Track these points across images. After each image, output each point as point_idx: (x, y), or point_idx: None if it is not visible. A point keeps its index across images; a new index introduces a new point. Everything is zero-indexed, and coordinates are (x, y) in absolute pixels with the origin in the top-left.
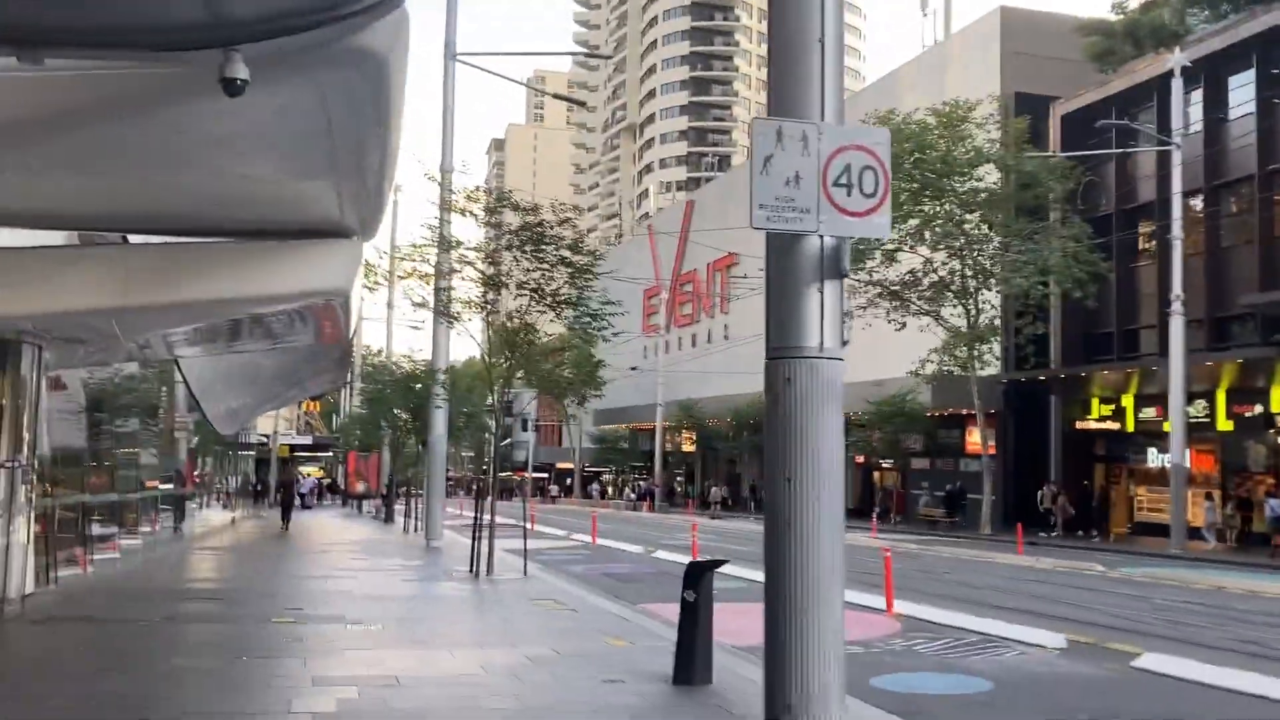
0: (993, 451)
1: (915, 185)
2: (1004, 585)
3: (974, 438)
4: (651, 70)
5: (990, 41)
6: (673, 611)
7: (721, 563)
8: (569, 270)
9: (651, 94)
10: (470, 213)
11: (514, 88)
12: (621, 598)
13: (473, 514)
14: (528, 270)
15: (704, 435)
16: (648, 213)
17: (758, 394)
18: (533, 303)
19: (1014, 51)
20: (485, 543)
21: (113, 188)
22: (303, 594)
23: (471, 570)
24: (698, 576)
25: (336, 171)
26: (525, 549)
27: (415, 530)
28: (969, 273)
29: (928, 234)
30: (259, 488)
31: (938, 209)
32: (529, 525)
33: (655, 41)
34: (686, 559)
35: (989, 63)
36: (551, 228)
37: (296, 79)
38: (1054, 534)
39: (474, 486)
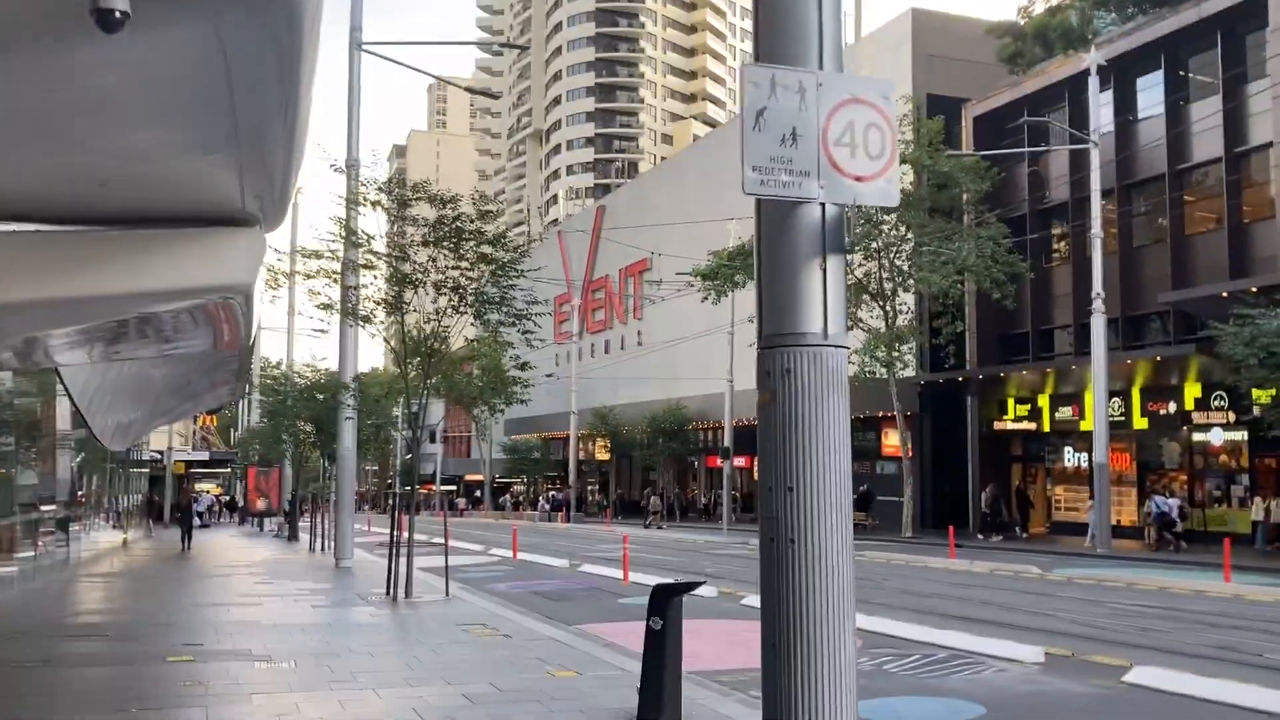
0: (911, 454)
1: None
2: (949, 592)
3: (890, 440)
4: (557, 76)
5: (901, 44)
6: (615, 632)
7: (695, 585)
8: (491, 268)
9: (557, 100)
10: (382, 205)
11: (415, 92)
12: (555, 618)
13: (386, 531)
14: (445, 269)
15: (619, 443)
16: (556, 219)
17: (672, 400)
18: (452, 303)
19: (925, 54)
20: (403, 561)
21: None
22: (203, 625)
23: (388, 593)
24: (665, 601)
25: (237, 144)
26: (447, 567)
27: (323, 549)
28: (885, 274)
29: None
30: (152, 507)
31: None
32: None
33: (560, 47)
34: (614, 572)
35: (900, 65)
36: (471, 221)
37: (190, 21)
38: (996, 536)
39: (387, 501)
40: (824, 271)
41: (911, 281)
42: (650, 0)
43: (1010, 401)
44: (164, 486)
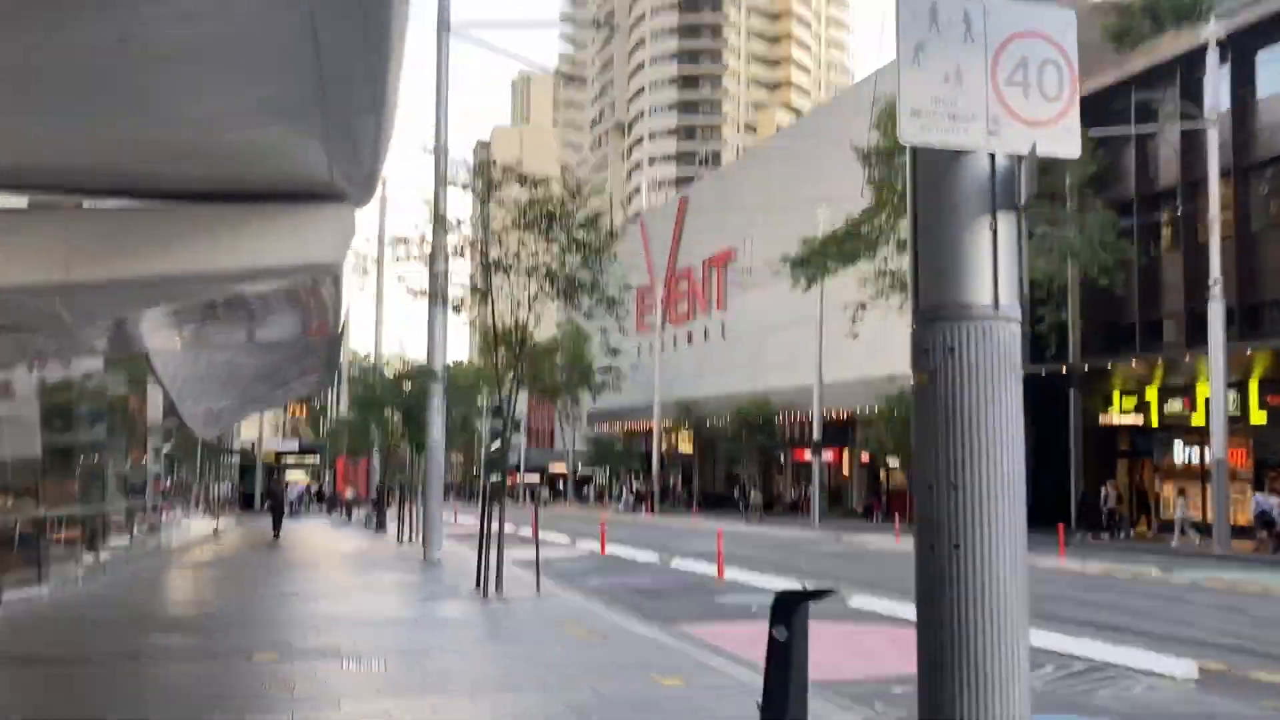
0: None
1: None
2: (1068, 594)
3: None
4: (640, 67)
5: None
6: (717, 635)
7: (825, 593)
8: (583, 252)
9: (640, 91)
10: (472, 189)
11: (499, 87)
12: (652, 617)
13: (472, 521)
14: (534, 254)
15: (703, 436)
16: (639, 211)
17: (759, 393)
18: (544, 288)
19: None
20: (493, 555)
21: (44, 131)
22: (291, 620)
23: (478, 587)
24: (791, 610)
25: (323, 109)
26: (538, 562)
27: (410, 540)
28: None
29: None
30: (245, 496)
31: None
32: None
33: (643, 38)
34: (708, 568)
35: None
36: (562, 205)
37: None
38: (1121, 535)
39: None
40: (994, 232)
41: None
42: None
43: (1116, 394)
44: (254, 475)
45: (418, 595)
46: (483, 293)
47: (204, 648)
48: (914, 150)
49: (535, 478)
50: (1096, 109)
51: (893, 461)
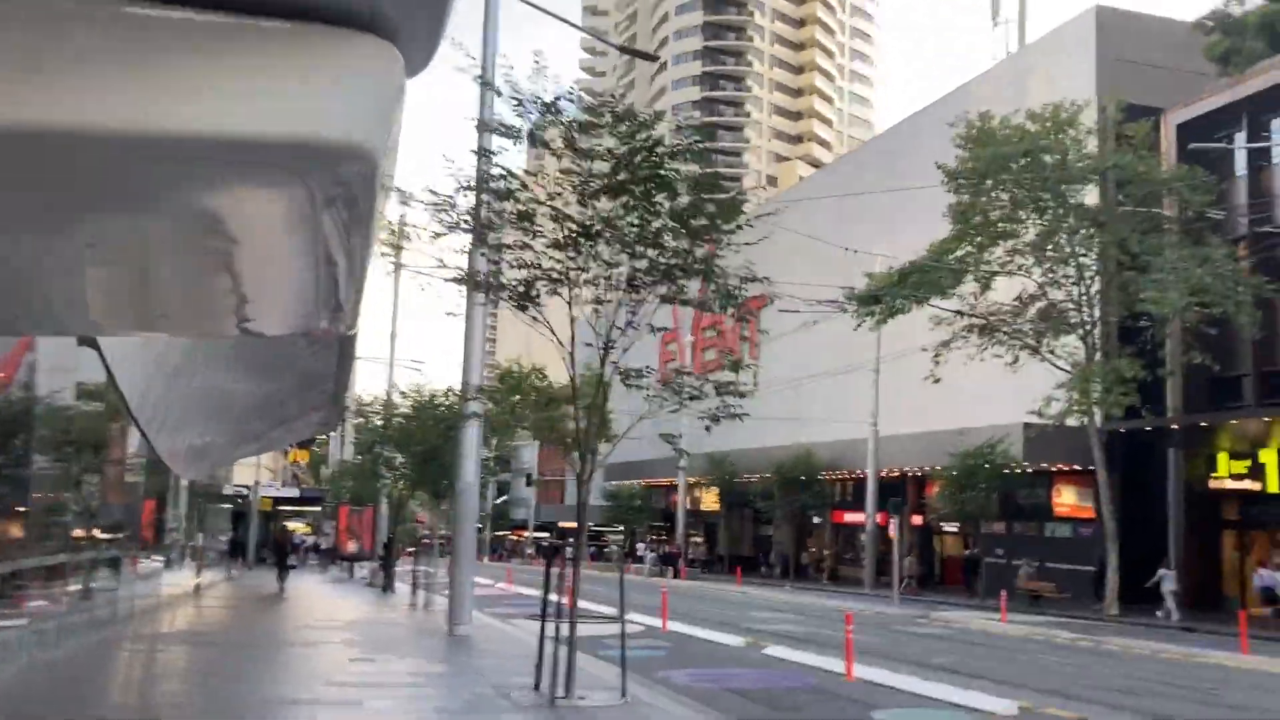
0: (1090, 515)
1: (1020, 194)
2: None
3: (1064, 498)
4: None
5: (1083, 47)
6: None
7: None
8: (706, 219)
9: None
10: (542, 129)
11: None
12: None
13: (491, 581)
14: (630, 224)
15: (733, 493)
16: None
17: (800, 446)
18: (645, 273)
19: (1112, 57)
20: (556, 641)
21: None
22: None
23: (537, 687)
24: None
25: None
26: (624, 659)
27: (425, 606)
28: (1087, 296)
29: (1050, 250)
30: (235, 547)
31: (1040, 223)
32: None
33: (664, 86)
34: (815, 658)
35: (1082, 71)
36: (671, 156)
37: None
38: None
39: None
40: None
41: (1141, 302)
42: (757, 39)
43: (1223, 456)
44: (248, 524)
45: (453, 698)
46: (559, 278)
47: None
48: None
49: (544, 534)
50: (1201, 135)
51: (949, 526)
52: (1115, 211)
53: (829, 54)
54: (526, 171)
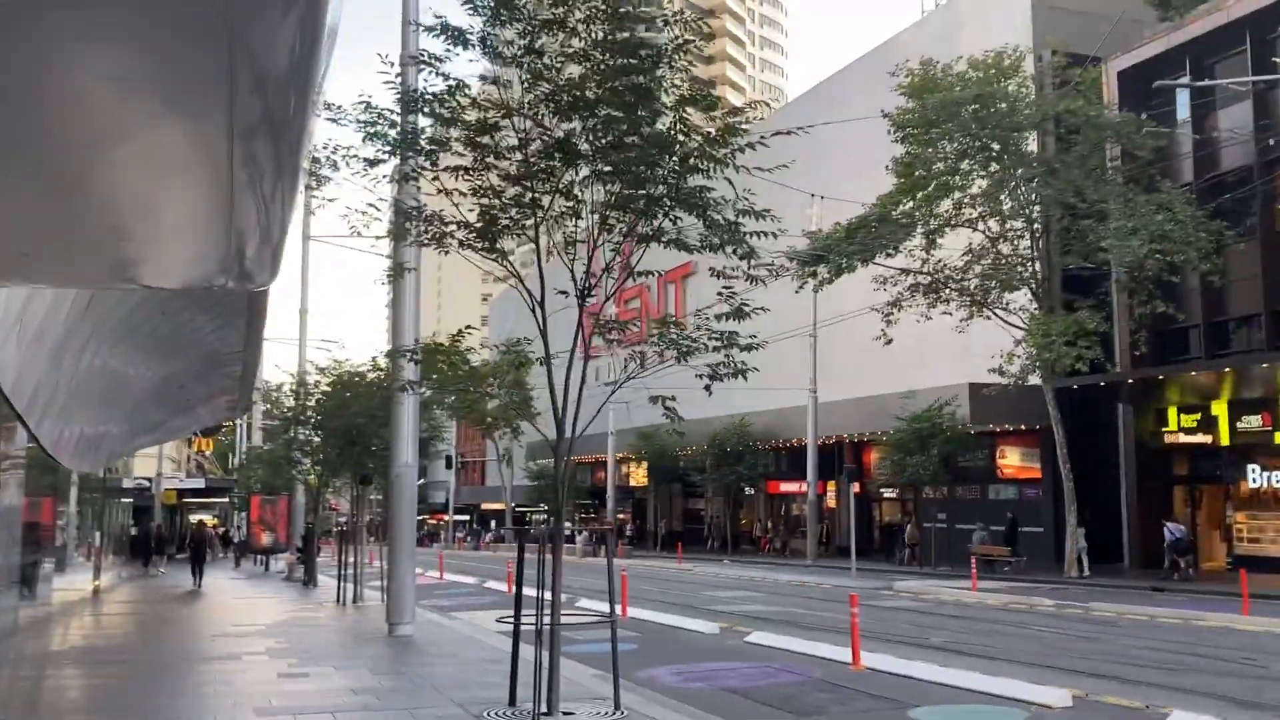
0: (1037, 475)
1: (973, 145)
2: None
3: (1009, 459)
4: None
5: None
6: None
7: None
8: (701, 140)
9: None
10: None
11: None
12: None
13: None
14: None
15: (663, 468)
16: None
17: (731, 416)
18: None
19: (1047, 6)
20: (533, 646)
21: None
22: None
23: (513, 700)
24: None
25: None
26: (616, 666)
27: (354, 601)
28: (1040, 247)
29: (1006, 201)
30: (136, 544)
31: (988, 173)
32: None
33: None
34: (804, 644)
35: (1016, 18)
36: (658, 61)
37: None
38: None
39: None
40: None
41: (1100, 253)
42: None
43: (1172, 411)
44: (150, 518)
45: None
46: (530, 205)
47: None
48: None
49: (464, 517)
50: (1142, 81)
51: (888, 493)
52: (1066, 159)
53: (739, 20)
54: (485, 79)
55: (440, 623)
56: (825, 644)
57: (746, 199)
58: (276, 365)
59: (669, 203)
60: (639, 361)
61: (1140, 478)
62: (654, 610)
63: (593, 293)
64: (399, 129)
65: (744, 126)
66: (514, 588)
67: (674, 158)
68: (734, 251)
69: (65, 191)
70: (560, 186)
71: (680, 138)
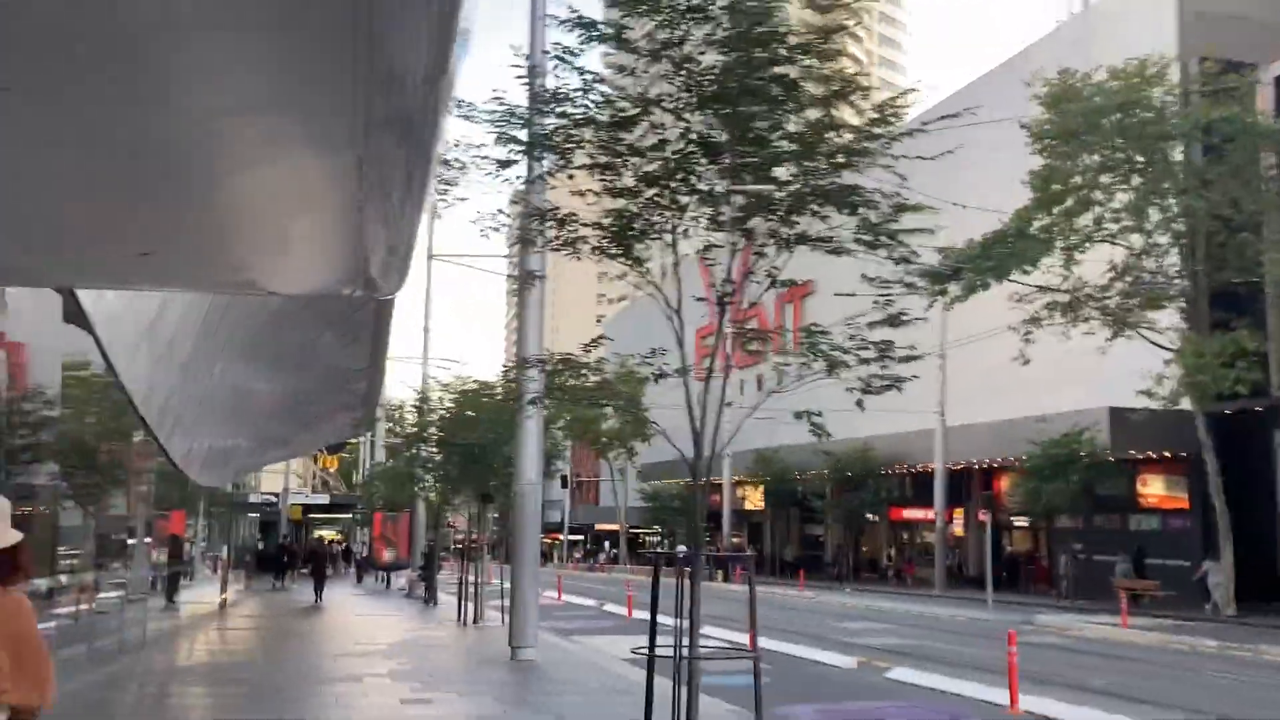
0: (1183, 506)
1: (1115, 156)
2: None
3: (1151, 487)
4: None
5: (1163, 2)
6: None
7: None
8: (852, 132)
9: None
10: None
11: None
12: None
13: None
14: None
15: (781, 492)
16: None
17: (854, 440)
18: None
19: (1194, 10)
20: (675, 679)
21: None
22: None
23: None
24: None
25: None
26: (759, 701)
27: (475, 622)
28: (1190, 263)
29: (1153, 215)
30: (264, 560)
31: (1133, 186)
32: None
33: None
34: (955, 682)
35: (1160, 26)
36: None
37: None
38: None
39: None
40: None
41: (1261, 269)
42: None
43: None
44: (277, 534)
45: None
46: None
47: None
48: None
49: (578, 537)
50: None
51: (1019, 521)
52: (1220, 169)
53: (856, 39)
54: (622, 71)
55: (563, 647)
56: (974, 683)
57: (900, 192)
58: (401, 381)
59: (817, 200)
60: (778, 377)
61: None
62: (781, 640)
63: (732, 300)
64: (529, 127)
65: (895, 115)
66: (650, 615)
67: (821, 155)
68: (889, 255)
69: (188, 191)
70: (700, 186)
71: (829, 134)
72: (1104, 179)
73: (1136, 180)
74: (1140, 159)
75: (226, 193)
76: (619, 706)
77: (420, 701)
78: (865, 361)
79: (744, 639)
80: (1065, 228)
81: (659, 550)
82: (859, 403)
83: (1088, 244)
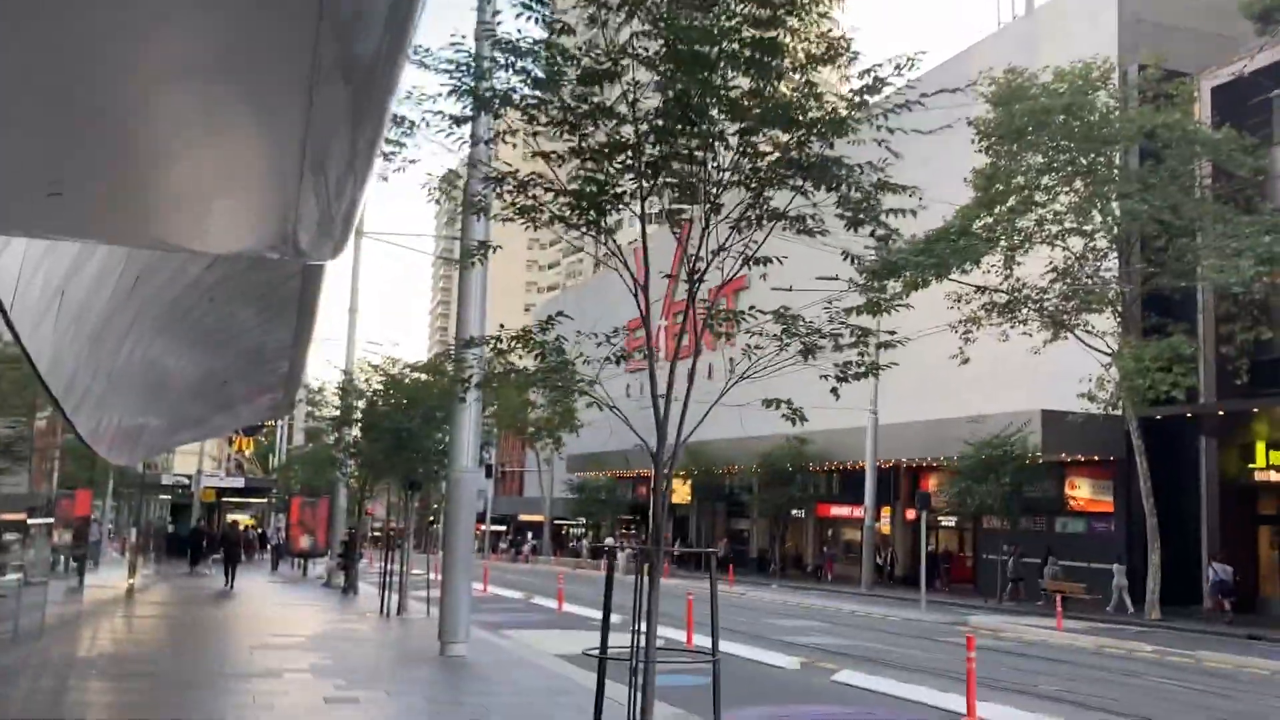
0: (1108, 509)
1: (1059, 158)
2: None
3: (1080, 491)
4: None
5: (1102, 8)
6: None
7: None
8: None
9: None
10: None
11: None
12: None
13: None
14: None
15: (708, 486)
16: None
17: (782, 435)
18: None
19: (1134, 18)
20: (631, 683)
21: None
22: None
23: None
24: None
25: None
26: (717, 707)
27: (399, 612)
28: (1127, 267)
29: (1096, 217)
30: (175, 540)
31: (1075, 188)
32: (552, 603)
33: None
34: (903, 686)
35: (1100, 33)
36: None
37: None
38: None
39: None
40: None
41: (1199, 271)
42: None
43: (1261, 446)
44: (189, 517)
45: None
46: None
47: None
48: None
49: (501, 528)
50: (1239, 99)
51: (946, 521)
52: (1159, 175)
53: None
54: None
55: (493, 642)
56: (925, 688)
57: (881, 168)
58: (327, 360)
59: (798, 173)
60: (746, 360)
61: (1223, 516)
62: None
63: (701, 275)
64: (482, 79)
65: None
66: (603, 614)
67: (801, 126)
68: (871, 233)
69: (105, 130)
70: (678, 149)
71: (810, 102)
72: (1046, 180)
73: (1079, 183)
74: (1084, 161)
75: (147, 127)
76: (558, 710)
77: (347, 700)
78: (840, 348)
79: (681, 636)
80: (1008, 228)
81: (614, 546)
82: (834, 390)
83: (1028, 245)
